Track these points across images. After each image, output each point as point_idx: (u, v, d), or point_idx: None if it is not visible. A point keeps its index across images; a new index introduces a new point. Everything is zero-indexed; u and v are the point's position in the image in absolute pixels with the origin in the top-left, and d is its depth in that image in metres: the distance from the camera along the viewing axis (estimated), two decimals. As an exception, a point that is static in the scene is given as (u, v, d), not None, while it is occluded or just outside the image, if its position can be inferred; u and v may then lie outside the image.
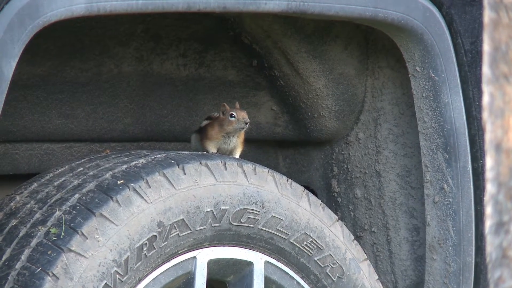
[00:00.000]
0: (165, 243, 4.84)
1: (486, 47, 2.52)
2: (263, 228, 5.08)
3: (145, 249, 4.79)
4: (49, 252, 4.61)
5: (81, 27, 5.51)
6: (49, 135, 5.79)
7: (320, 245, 5.31)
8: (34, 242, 4.63)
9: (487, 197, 2.51)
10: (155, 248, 4.84)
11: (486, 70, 2.52)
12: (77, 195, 4.76)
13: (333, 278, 5.38)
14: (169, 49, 5.94)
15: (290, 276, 5.22)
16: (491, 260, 2.47)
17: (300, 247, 5.30)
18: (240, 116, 5.38)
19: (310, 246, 5.30)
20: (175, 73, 5.94)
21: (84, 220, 4.71)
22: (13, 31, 4.86)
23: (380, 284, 5.65)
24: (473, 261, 5.81)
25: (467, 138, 5.73)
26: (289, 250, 5.21)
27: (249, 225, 5.12)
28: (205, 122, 5.65)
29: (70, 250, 4.67)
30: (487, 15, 2.53)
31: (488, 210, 2.49)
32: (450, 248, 5.77)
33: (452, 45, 5.72)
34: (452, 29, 5.63)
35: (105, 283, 4.68)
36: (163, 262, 4.91)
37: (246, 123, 5.36)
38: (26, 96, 5.59)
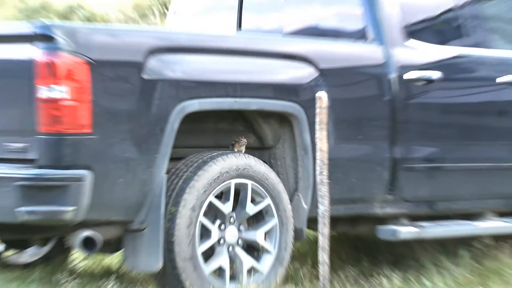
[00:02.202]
0: (223, 176, 6.96)
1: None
2: (250, 174, 7.13)
3: (217, 179, 6.95)
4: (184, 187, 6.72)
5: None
6: None
7: (267, 179, 7.29)
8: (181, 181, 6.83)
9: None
10: (220, 177, 6.94)
11: (321, 133, 5.66)
12: (193, 168, 6.82)
13: (271, 191, 7.27)
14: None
15: (260, 189, 7.22)
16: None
17: (262, 180, 7.36)
18: (242, 142, 7.37)
19: (265, 180, 7.26)
20: None
21: (196, 172, 6.81)
22: (175, 119, 6.76)
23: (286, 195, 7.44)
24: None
25: (311, 154, 7.12)
26: (259, 179, 7.19)
27: (246, 172, 7.13)
28: (233, 142, 7.43)
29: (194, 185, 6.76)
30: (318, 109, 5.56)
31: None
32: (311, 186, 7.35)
33: (307, 121, 7.35)
34: (307, 114, 7.32)
35: (205, 191, 6.84)
36: (222, 183, 6.99)
37: (244, 144, 7.37)
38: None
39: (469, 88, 8.20)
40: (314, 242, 7.85)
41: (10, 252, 8.00)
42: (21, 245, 8.03)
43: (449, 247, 8.04)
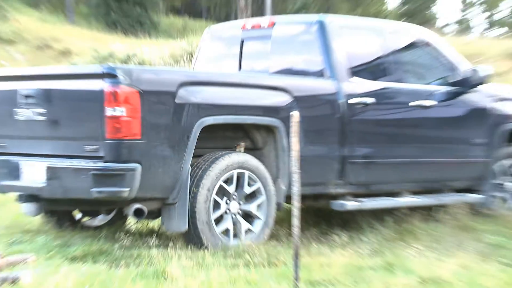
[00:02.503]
0: (228, 168, 6.84)
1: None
2: (247, 166, 7.03)
3: (225, 170, 6.82)
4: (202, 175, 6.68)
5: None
6: None
7: (258, 169, 7.17)
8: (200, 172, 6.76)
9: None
10: (227, 168, 6.83)
11: (294, 139, 5.23)
12: (209, 162, 6.84)
13: (261, 177, 7.13)
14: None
15: (253, 176, 7.09)
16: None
17: (255, 170, 7.17)
18: (241, 145, 7.31)
19: (257, 170, 7.11)
20: None
21: (211, 165, 6.70)
22: (197, 130, 6.66)
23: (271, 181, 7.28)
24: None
25: (288, 153, 6.93)
26: (252, 170, 7.06)
27: (244, 165, 7.02)
28: (235, 145, 7.32)
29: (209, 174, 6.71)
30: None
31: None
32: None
33: (285, 131, 7.13)
34: (285, 126, 7.07)
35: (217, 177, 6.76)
36: (227, 172, 6.88)
37: (243, 146, 7.32)
38: None
39: (392, 109, 8.16)
40: (289, 212, 7.30)
41: (86, 218, 8.05)
42: (94, 214, 8.02)
43: (379, 215, 8.05)
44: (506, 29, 50.81)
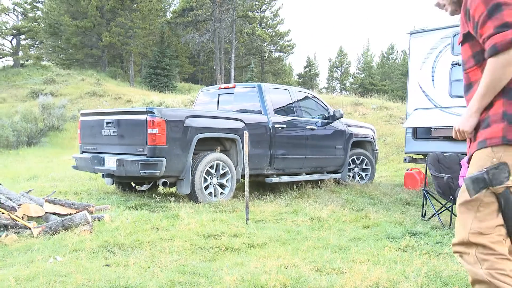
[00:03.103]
0: (211, 160, 6.61)
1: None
2: (221, 159, 6.75)
3: (210, 161, 6.60)
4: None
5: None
6: None
7: (227, 161, 6.81)
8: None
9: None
10: (211, 160, 6.58)
11: (245, 145, 5.72)
12: (201, 157, 6.98)
13: (228, 165, 6.84)
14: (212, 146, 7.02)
15: (225, 164, 6.79)
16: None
17: (225, 161, 6.83)
18: (218, 148, 6.98)
19: (227, 161, 6.78)
20: None
21: (202, 158, 6.68)
22: (195, 140, 6.45)
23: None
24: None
25: (242, 152, 6.56)
26: (224, 161, 6.76)
27: (219, 159, 6.74)
28: (215, 148, 6.99)
29: (201, 163, 6.80)
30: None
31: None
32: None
33: (241, 141, 6.91)
34: (241, 139, 6.85)
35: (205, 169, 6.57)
36: (211, 162, 6.62)
37: (219, 149, 6.99)
38: None
39: (295, 130, 7.93)
40: (243, 184, 7.96)
41: (137, 186, 7.83)
42: (141, 184, 7.84)
43: (290, 185, 8.04)
44: (349, 92, 52.55)
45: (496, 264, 1.89)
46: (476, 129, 2.01)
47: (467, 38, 2.07)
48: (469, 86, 2.11)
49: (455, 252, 2.04)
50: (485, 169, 1.91)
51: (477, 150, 2.00)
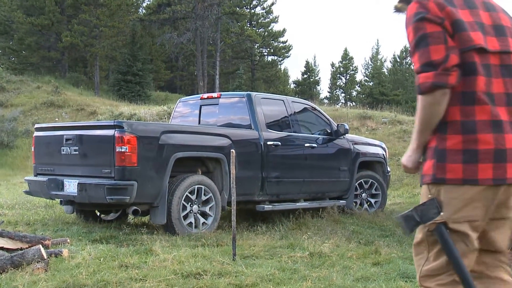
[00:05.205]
0: (191, 184, 6.62)
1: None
2: (203, 182, 6.80)
3: (189, 185, 6.61)
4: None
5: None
6: None
7: (210, 185, 6.87)
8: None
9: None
10: (191, 184, 6.60)
11: (232, 166, 5.51)
12: (179, 181, 7.22)
13: (212, 190, 6.87)
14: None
15: (207, 189, 6.82)
16: None
17: (208, 185, 6.85)
18: (200, 170, 7.06)
19: (210, 185, 6.83)
20: None
21: (181, 182, 6.99)
22: (172, 160, 6.52)
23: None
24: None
25: (229, 174, 6.00)
26: (207, 185, 6.80)
27: (201, 182, 6.78)
28: (196, 169, 7.06)
29: (179, 188, 6.64)
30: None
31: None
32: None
33: (227, 161, 6.92)
34: (227, 158, 6.81)
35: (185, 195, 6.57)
36: (191, 187, 6.64)
37: (200, 170, 7.06)
38: None
39: (292, 148, 8.04)
40: (229, 212, 7.76)
41: (102, 215, 7.83)
42: (107, 212, 7.84)
43: (285, 214, 8.02)
44: (355, 103, 53.33)
45: None
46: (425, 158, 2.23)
47: None
48: None
49: None
50: (414, 207, 2.16)
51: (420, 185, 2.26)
